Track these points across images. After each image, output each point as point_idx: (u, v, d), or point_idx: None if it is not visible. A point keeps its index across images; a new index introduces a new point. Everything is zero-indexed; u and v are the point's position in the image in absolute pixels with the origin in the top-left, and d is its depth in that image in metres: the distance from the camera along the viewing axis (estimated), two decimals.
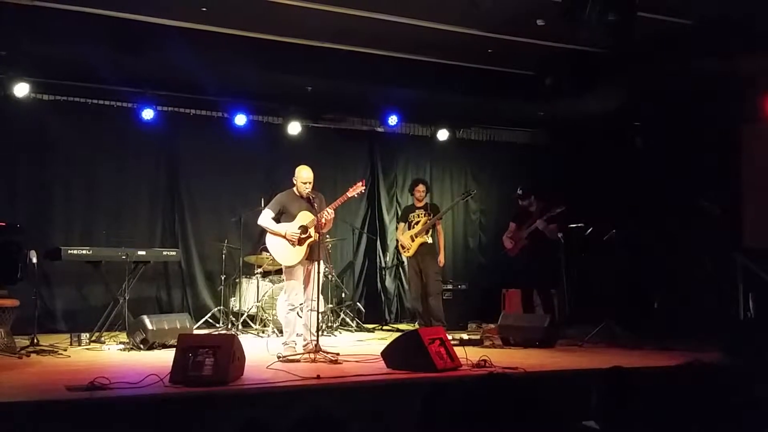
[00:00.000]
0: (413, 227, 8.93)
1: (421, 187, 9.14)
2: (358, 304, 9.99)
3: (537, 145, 11.38)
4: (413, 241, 8.87)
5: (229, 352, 5.13)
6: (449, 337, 6.50)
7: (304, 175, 6.96)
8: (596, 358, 6.88)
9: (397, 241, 9.33)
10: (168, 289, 9.51)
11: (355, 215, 10.55)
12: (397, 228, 9.46)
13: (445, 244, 9.47)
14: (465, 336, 8.27)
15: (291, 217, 6.95)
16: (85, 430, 4.35)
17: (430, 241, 8.86)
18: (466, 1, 6.92)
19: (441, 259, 8.98)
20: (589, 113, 9.85)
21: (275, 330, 8.41)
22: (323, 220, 6.81)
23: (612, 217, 9.13)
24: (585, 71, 8.56)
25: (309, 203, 6.90)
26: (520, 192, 8.89)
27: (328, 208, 6.84)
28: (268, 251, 7.35)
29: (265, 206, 7.17)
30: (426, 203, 9.10)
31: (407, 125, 10.79)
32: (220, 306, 9.00)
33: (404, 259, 9.55)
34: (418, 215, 8.99)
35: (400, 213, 10.00)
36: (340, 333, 9.01)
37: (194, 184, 9.70)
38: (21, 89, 8.34)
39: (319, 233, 6.80)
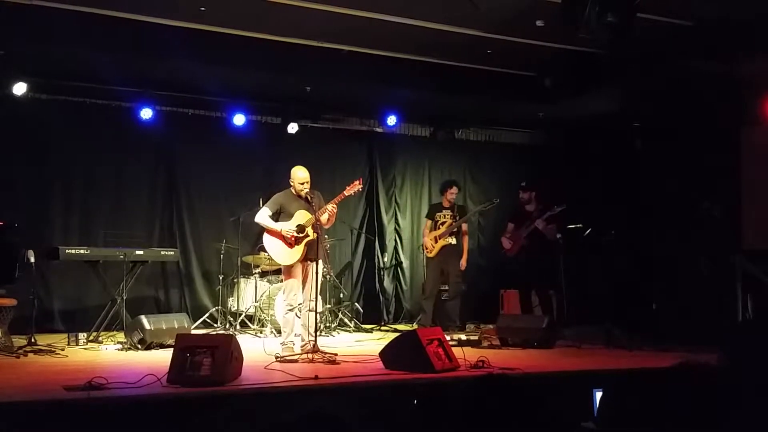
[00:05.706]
0: (439, 227, 8.97)
1: (454, 189, 9.16)
2: (356, 304, 9.99)
3: (536, 145, 11.37)
4: (436, 242, 8.89)
5: (227, 353, 5.12)
6: (447, 337, 6.50)
7: (300, 175, 6.96)
8: (595, 359, 6.89)
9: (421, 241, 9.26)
10: (166, 289, 9.51)
11: (354, 215, 10.54)
12: (426, 225, 9.38)
13: None
14: (463, 337, 8.25)
15: (289, 217, 6.95)
16: (83, 431, 4.34)
17: (453, 242, 8.92)
18: (465, 2, 6.92)
19: (463, 261, 8.99)
20: (589, 114, 9.85)
21: (273, 330, 8.41)
22: (326, 216, 6.82)
23: (611, 218, 9.13)
24: (584, 72, 8.56)
25: (307, 203, 6.90)
26: (523, 184, 8.92)
27: (329, 204, 6.84)
28: (265, 251, 7.35)
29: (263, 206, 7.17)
30: (454, 204, 9.10)
31: (406, 125, 10.79)
32: (218, 306, 8.99)
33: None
34: (445, 216, 9.03)
35: (427, 209, 9.92)
36: (339, 333, 9.00)
37: (193, 184, 9.69)
38: (19, 88, 8.33)
39: (318, 233, 6.80)
